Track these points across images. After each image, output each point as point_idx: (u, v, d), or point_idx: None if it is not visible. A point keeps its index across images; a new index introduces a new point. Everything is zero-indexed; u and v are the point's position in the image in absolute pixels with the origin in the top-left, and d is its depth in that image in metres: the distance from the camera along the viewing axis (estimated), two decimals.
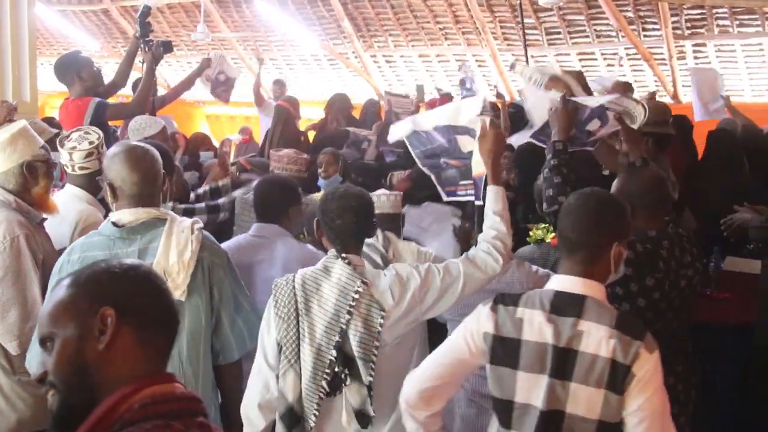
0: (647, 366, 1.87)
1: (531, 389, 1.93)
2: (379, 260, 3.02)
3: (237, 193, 3.90)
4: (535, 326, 1.93)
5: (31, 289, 2.59)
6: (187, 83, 5.82)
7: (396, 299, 2.30)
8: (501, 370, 1.97)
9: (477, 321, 2.02)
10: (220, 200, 3.85)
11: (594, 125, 3.17)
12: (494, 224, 2.46)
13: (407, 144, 3.05)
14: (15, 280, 2.55)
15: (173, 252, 2.32)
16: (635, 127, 3.05)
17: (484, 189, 2.67)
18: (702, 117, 5.65)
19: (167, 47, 4.68)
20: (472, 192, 2.89)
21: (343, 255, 2.36)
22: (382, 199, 3.13)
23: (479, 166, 2.74)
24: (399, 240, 3.20)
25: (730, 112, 5.53)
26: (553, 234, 3.17)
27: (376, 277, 2.34)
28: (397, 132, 3.04)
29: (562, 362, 1.89)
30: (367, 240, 2.94)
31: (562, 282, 2.00)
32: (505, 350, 1.95)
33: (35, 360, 2.38)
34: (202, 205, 3.74)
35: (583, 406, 1.89)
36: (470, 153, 2.80)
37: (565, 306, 1.93)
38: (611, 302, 2.64)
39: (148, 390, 1.24)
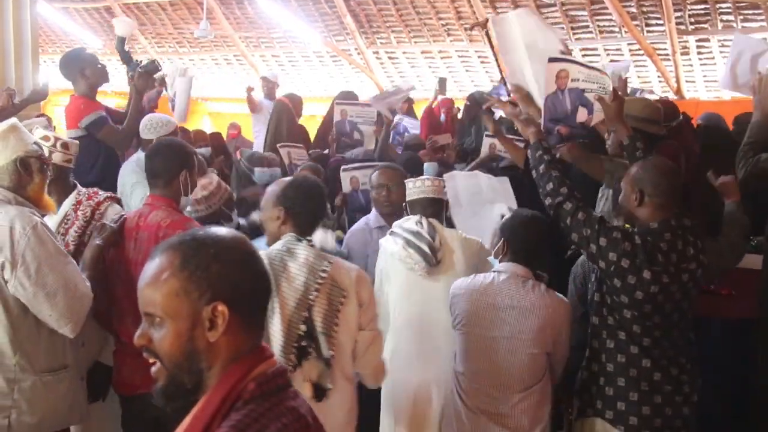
0: None
1: None
2: (427, 249, 2.98)
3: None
4: None
5: (67, 267, 2.55)
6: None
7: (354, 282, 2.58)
8: None
9: None
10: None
11: (582, 115, 3.14)
12: None
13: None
14: (51, 266, 2.50)
15: None
16: (607, 97, 3.03)
17: None
18: (728, 87, 5.25)
19: (151, 68, 4.56)
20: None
21: (308, 238, 2.55)
22: (426, 183, 3.09)
23: None
24: (444, 227, 3.15)
25: (753, 95, 4.95)
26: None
27: (337, 259, 2.59)
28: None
29: None
30: (413, 228, 3.01)
31: None
32: None
33: None
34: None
35: None
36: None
37: None
38: (608, 294, 2.66)
39: (258, 369, 1.32)
